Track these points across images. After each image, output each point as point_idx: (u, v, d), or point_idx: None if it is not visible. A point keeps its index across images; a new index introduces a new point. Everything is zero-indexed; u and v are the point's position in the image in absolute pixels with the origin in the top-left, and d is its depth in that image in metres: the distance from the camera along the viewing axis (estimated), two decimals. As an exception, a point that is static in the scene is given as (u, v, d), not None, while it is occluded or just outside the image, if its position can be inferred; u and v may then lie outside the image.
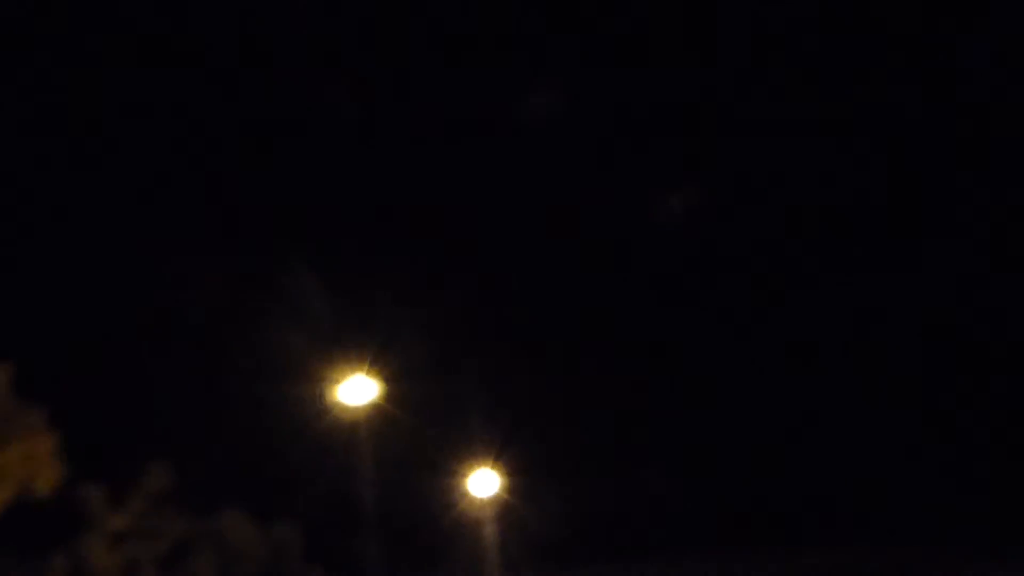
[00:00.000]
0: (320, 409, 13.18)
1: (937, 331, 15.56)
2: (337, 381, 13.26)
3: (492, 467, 14.33)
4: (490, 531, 14.90)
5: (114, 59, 13.66)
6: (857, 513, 16.02)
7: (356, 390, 13.42)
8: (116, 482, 11.96)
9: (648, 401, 15.60)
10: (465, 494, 14.51)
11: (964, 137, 15.15)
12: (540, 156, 14.89)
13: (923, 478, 15.23)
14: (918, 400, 15.62)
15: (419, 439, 13.67)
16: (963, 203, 15.44)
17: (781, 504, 16.06)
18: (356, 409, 13.45)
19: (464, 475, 14.32)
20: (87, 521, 11.81)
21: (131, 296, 13.19)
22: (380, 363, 13.42)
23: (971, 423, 15.45)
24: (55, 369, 11.99)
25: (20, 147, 13.28)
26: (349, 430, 13.53)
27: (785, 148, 15.16)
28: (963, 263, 15.20)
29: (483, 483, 14.43)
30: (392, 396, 13.53)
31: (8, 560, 11.71)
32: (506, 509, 14.78)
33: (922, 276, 15.32)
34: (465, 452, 14.22)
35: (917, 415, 15.64)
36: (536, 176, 14.91)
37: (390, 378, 13.50)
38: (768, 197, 15.59)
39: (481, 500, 14.65)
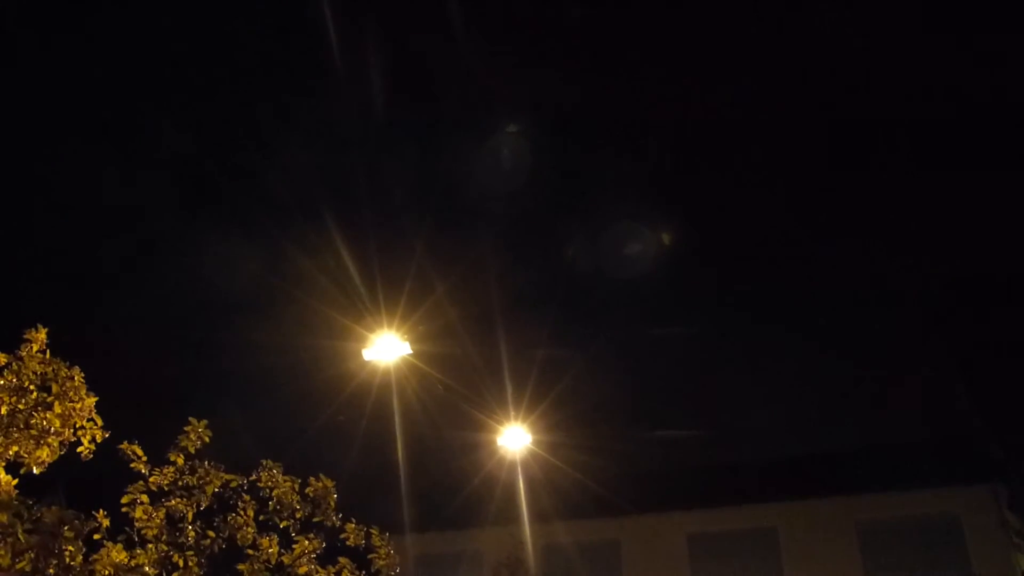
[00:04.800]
0: (354, 367, 13.24)
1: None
2: (370, 341, 13.29)
3: (523, 424, 14.42)
4: (521, 486, 15.04)
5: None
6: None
7: (389, 349, 13.48)
8: (156, 440, 12.16)
9: (671, 359, 15.63)
10: (497, 450, 14.62)
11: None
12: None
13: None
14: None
15: (452, 396, 13.77)
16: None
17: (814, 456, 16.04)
18: (389, 367, 13.52)
19: (496, 432, 14.41)
20: (129, 478, 11.99)
21: (169, 262, 13.36)
22: (413, 323, 13.47)
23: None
24: (95, 329, 12.12)
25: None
26: (382, 387, 13.61)
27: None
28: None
29: (514, 439, 14.52)
30: (425, 355, 13.60)
31: (52, 517, 11.86)
32: (536, 464, 14.90)
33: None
34: (497, 409, 14.30)
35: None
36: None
37: (423, 337, 13.55)
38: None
39: (512, 455, 14.77)
